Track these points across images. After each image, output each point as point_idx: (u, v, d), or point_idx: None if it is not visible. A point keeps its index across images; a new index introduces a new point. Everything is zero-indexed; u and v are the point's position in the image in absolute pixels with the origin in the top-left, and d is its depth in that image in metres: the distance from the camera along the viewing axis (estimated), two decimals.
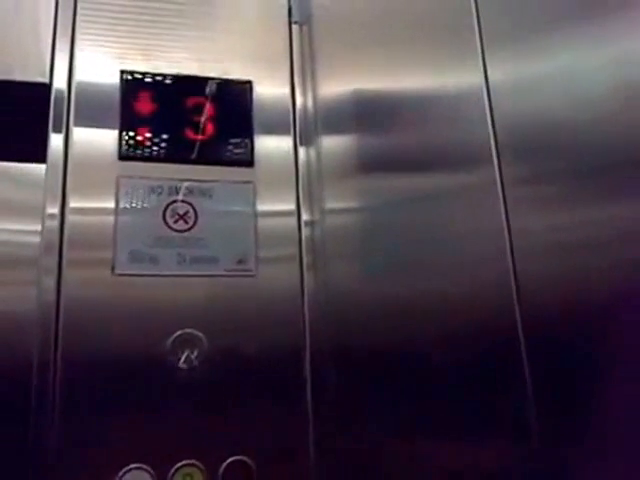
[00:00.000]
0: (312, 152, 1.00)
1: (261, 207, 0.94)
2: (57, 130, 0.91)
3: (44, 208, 0.86)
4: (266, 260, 0.91)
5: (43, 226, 0.86)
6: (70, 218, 0.87)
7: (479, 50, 0.68)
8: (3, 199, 0.86)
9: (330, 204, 0.96)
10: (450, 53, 0.74)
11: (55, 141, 0.90)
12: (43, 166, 0.88)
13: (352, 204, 0.94)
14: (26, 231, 0.85)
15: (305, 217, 0.96)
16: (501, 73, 0.66)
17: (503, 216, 0.62)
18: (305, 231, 0.95)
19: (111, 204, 0.88)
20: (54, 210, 0.87)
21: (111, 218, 0.88)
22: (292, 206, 0.96)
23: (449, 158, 0.73)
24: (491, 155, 0.64)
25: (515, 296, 0.60)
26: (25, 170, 0.88)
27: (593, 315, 0.54)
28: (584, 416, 0.54)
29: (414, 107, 0.81)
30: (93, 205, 0.89)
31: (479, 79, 0.67)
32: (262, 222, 0.93)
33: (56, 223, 0.86)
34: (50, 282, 0.83)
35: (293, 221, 0.95)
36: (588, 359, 0.54)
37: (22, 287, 0.83)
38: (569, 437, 0.55)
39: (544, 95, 0.59)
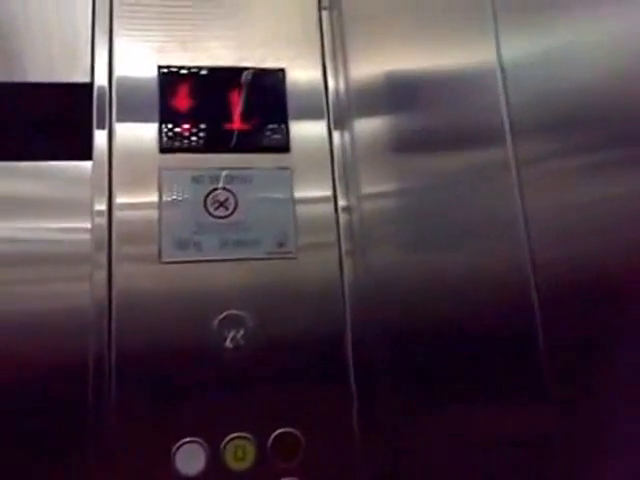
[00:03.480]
0: (346, 136, 1.01)
1: (298, 192, 0.97)
2: (100, 126, 0.94)
3: (92, 204, 0.91)
4: (305, 246, 0.94)
5: (93, 222, 0.90)
6: (117, 213, 0.91)
7: (493, 26, 0.69)
8: (53, 198, 0.90)
9: (366, 188, 0.98)
10: (468, 31, 0.75)
11: (99, 138, 0.94)
12: (89, 163, 0.92)
13: (387, 187, 0.95)
14: (75, 229, 0.90)
15: (342, 202, 0.98)
16: (514, 48, 0.66)
17: (517, 196, 0.63)
18: (342, 216, 0.97)
19: (155, 197, 0.92)
20: (102, 207, 0.91)
21: (155, 210, 0.91)
22: (328, 192, 0.98)
23: (469, 138, 0.74)
24: (504, 133, 0.65)
25: (531, 273, 0.61)
26: (72, 168, 0.92)
27: (610, 292, 0.54)
28: (598, 382, 0.55)
29: (439, 87, 0.82)
30: (138, 199, 0.93)
31: (492, 55, 0.68)
32: (300, 208, 0.95)
33: (104, 220, 0.90)
34: (102, 275, 0.88)
35: (330, 207, 0.97)
36: (602, 330, 0.54)
37: (75, 283, 0.87)
38: (584, 399, 0.57)
39: (561, 67, 0.59)
